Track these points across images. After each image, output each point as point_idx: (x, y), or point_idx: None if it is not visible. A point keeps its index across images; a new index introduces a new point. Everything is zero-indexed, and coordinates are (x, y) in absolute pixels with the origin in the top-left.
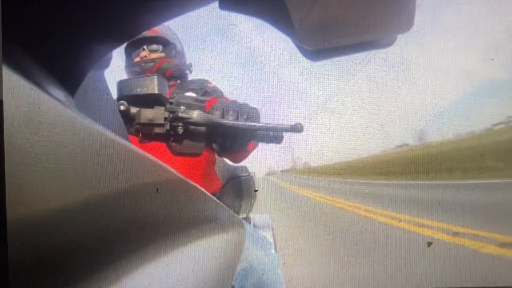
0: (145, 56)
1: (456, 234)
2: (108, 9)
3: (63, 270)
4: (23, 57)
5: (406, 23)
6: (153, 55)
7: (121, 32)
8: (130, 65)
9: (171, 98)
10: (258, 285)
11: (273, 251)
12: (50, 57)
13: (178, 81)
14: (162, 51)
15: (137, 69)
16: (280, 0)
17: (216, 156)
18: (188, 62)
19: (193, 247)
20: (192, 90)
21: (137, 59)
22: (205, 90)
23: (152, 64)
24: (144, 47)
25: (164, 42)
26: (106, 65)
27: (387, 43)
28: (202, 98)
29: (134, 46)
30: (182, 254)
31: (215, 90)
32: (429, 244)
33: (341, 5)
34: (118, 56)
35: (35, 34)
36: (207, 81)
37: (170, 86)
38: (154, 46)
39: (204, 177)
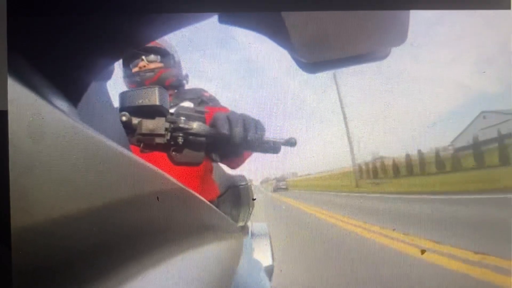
0: (144, 66)
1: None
2: (111, 22)
3: (65, 276)
4: (27, 68)
5: (400, 36)
6: (152, 65)
7: (123, 45)
8: (129, 75)
9: (170, 108)
10: None
11: (270, 259)
12: (54, 68)
13: (175, 91)
14: (160, 61)
15: (137, 79)
16: (277, 15)
17: (214, 164)
18: (184, 73)
19: (193, 254)
20: (189, 99)
21: (136, 69)
22: (202, 99)
23: (151, 74)
24: (143, 57)
25: (162, 53)
26: (109, 76)
27: (382, 56)
28: (201, 109)
29: (132, 57)
30: (181, 261)
31: (211, 98)
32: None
33: (337, 20)
34: (120, 68)
35: (40, 46)
36: (203, 90)
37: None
38: (152, 57)
39: (203, 186)
